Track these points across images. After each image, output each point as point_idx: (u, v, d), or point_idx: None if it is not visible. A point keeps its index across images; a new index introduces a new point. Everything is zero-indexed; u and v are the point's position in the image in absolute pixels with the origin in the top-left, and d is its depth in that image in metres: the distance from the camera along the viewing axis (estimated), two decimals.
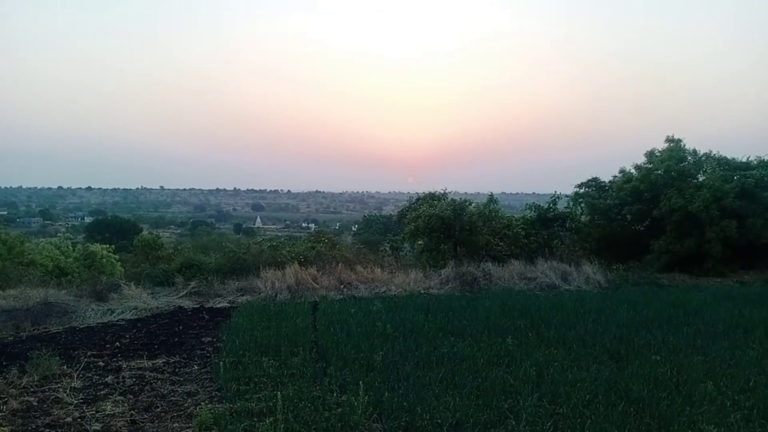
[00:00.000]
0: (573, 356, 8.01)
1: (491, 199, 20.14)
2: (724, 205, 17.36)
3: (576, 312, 11.07)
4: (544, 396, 6.27)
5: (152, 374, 7.58)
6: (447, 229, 17.54)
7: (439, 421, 5.59)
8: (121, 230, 52.51)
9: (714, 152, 20.04)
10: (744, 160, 19.57)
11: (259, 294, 13.77)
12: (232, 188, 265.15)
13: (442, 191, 20.81)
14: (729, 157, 19.82)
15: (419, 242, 19.79)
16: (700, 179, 19.22)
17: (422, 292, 14.38)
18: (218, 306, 12.81)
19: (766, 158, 19.32)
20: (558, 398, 6.25)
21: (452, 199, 19.30)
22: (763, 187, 18.10)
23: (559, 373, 7.08)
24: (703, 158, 19.92)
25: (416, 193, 23.09)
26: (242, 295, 13.83)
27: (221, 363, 7.39)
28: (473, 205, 19.09)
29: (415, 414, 5.75)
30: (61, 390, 6.86)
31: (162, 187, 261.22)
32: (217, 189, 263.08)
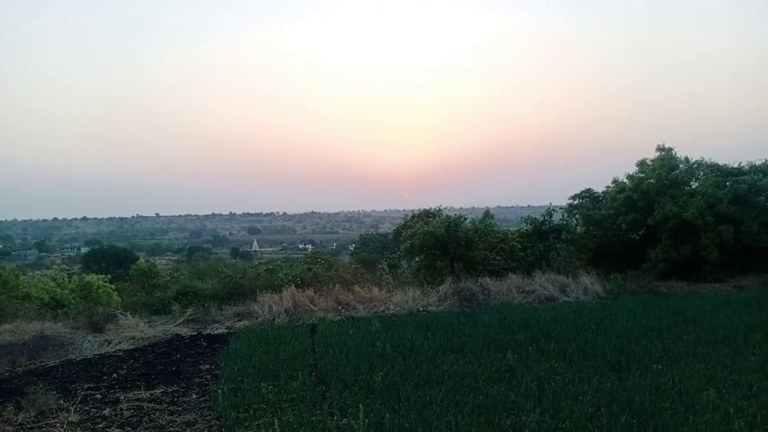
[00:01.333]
0: (574, 369, 7.96)
1: (487, 214, 20.22)
2: (719, 211, 17.42)
3: (575, 323, 11.02)
4: (546, 411, 6.21)
5: (150, 405, 7.49)
6: (442, 245, 17.53)
7: None
8: (117, 259, 52.35)
9: (706, 159, 20.16)
10: (736, 165, 19.67)
11: (257, 318, 13.67)
12: (228, 213, 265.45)
13: (437, 208, 20.89)
14: (721, 163, 19.95)
15: (416, 259, 19.76)
16: (693, 186, 19.31)
17: (421, 309, 14.31)
18: (216, 332, 12.70)
19: (757, 163, 19.45)
20: (560, 413, 6.19)
21: (447, 216, 19.30)
22: (756, 191, 18.20)
23: (561, 387, 7.03)
24: (695, 165, 20.04)
25: (412, 210, 23.14)
26: (240, 320, 13.73)
27: (219, 391, 7.31)
28: (468, 220, 19.11)
29: None
30: (58, 425, 6.77)
31: (158, 214, 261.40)
32: (213, 214, 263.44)
